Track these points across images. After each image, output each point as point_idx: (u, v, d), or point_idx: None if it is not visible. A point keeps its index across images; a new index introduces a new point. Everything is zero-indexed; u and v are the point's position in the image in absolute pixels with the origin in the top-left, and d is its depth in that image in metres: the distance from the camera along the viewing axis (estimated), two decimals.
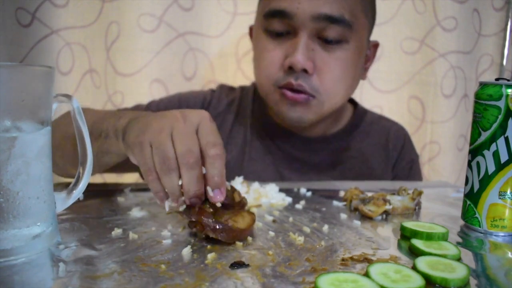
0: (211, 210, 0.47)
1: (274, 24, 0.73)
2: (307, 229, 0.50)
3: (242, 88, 0.93)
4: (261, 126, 0.87)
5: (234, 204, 0.50)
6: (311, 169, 0.85)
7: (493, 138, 0.49)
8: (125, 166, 0.82)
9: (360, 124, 0.90)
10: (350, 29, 0.73)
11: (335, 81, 0.75)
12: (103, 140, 0.58)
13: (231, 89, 0.93)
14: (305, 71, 0.72)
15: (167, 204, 0.50)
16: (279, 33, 0.74)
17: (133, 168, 0.83)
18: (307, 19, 0.70)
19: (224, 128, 0.87)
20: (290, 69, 0.72)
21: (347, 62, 0.75)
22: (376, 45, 0.86)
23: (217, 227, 0.45)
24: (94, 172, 0.61)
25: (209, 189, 0.47)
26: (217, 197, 0.47)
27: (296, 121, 0.77)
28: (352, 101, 0.94)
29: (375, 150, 0.89)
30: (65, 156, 0.65)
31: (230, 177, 0.74)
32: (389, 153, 0.90)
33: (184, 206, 0.49)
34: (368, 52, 0.84)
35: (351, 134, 0.89)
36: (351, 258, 0.42)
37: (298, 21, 0.71)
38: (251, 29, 0.87)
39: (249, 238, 0.46)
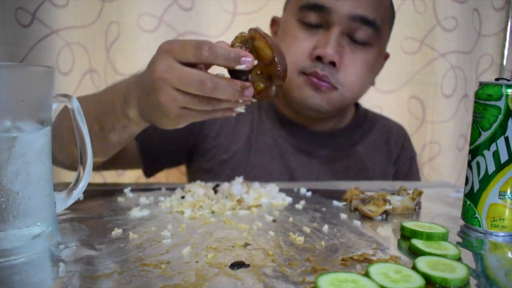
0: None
1: (309, 16, 0.76)
2: (307, 229, 0.50)
3: None
4: (268, 118, 0.88)
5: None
6: (318, 162, 0.86)
7: (493, 138, 0.49)
8: (130, 163, 0.83)
9: (363, 122, 0.94)
10: (377, 34, 0.78)
11: (357, 77, 0.78)
12: (121, 130, 0.59)
13: None
14: (332, 64, 0.75)
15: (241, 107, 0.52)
16: (312, 25, 0.77)
17: (135, 165, 0.84)
18: (343, 17, 0.74)
19: (229, 119, 0.87)
20: (318, 60, 0.75)
21: (368, 64, 0.79)
22: (386, 56, 0.89)
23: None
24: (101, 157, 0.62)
25: (238, 67, 0.48)
26: (247, 61, 0.48)
27: (315, 108, 0.79)
28: None
29: (378, 146, 0.93)
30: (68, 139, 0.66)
31: (235, 172, 0.74)
32: (390, 149, 0.94)
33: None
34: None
35: (355, 131, 0.92)
36: (351, 258, 0.42)
37: (334, 17, 0.74)
38: (273, 20, 0.89)
39: (249, 238, 0.46)
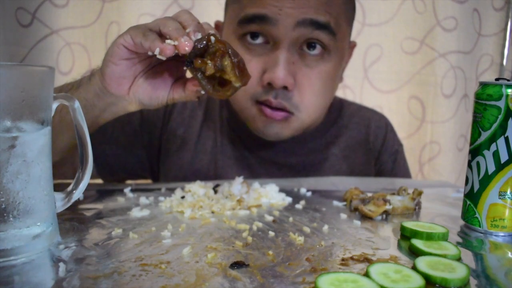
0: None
1: (251, 32, 0.68)
2: (307, 229, 0.50)
3: None
4: (232, 130, 0.83)
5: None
6: (289, 171, 0.81)
7: (493, 138, 0.49)
8: (119, 172, 0.81)
9: (337, 119, 0.87)
10: (333, 39, 0.69)
11: (316, 96, 0.71)
12: (74, 91, 0.58)
13: None
14: (285, 87, 0.68)
15: (168, 41, 0.50)
16: (256, 43, 0.69)
17: (126, 174, 0.83)
18: (289, 26, 0.65)
19: (192, 134, 0.82)
20: (269, 85, 0.68)
21: (328, 75, 0.71)
22: (353, 46, 0.81)
23: (235, 55, 0.51)
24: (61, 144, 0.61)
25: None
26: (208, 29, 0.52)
27: (272, 137, 0.74)
28: None
29: (355, 144, 0.86)
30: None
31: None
32: (370, 146, 0.87)
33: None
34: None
35: (328, 131, 0.85)
36: (351, 258, 0.42)
37: (279, 29, 0.66)
38: (217, 26, 0.80)
39: (249, 238, 0.46)
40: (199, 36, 0.51)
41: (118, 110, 0.59)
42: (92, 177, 0.80)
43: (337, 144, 0.85)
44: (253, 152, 0.82)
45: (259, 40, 0.69)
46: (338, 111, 0.88)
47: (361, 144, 0.87)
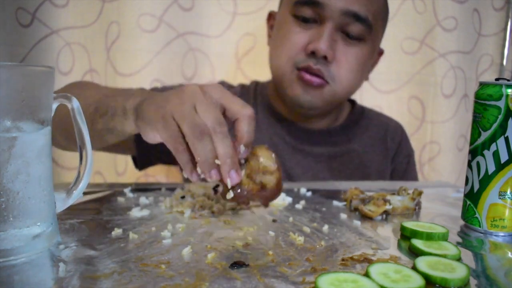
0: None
1: (303, 11, 0.78)
2: (307, 229, 0.50)
3: (242, 86, 0.95)
4: (264, 117, 0.89)
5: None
6: (314, 160, 0.87)
7: (493, 138, 0.49)
8: (122, 146, 0.83)
9: (359, 120, 0.95)
10: (370, 30, 0.79)
11: (350, 71, 0.80)
12: (109, 118, 0.60)
13: (230, 87, 0.95)
14: (325, 58, 0.76)
15: (196, 176, 0.51)
16: (306, 19, 0.79)
17: (128, 149, 0.84)
18: (336, 12, 0.76)
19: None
20: (312, 54, 0.77)
21: (362, 58, 0.81)
22: (381, 53, 0.90)
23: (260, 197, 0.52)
24: (93, 147, 0.63)
25: (241, 147, 0.51)
26: (243, 155, 0.51)
27: (306, 106, 0.81)
28: (349, 99, 0.98)
29: (374, 144, 0.93)
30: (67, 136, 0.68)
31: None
32: (387, 146, 0.94)
33: (231, 195, 0.51)
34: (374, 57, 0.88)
35: (351, 129, 0.93)
36: (351, 258, 0.42)
37: (327, 12, 0.76)
38: (270, 14, 0.91)
39: (249, 238, 0.46)
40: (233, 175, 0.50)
41: None
42: (129, 150, 0.84)
43: (358, 141, 0.92)
44: (283, 138, 0.88)
45: (310, 19, 0.79)
46: (360, 113, 0.96)
47: (379, 144, 0.94)
